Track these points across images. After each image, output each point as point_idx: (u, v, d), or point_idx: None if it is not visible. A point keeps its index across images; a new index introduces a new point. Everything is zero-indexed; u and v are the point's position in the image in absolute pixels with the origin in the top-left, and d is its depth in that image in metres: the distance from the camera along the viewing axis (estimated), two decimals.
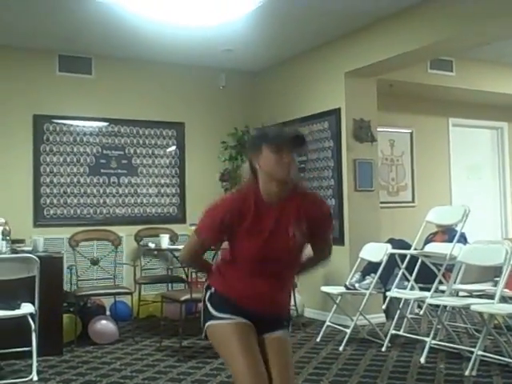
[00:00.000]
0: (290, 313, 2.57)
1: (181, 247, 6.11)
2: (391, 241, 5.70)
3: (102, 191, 6.80)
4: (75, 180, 6.67)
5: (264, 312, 2.37)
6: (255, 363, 2.25)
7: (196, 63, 7.08)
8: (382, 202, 6.67)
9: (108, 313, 6.11)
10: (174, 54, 6.75)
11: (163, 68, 7.07)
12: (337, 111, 6.35)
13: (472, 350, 4.45)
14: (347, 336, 5.18)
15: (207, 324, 2.39)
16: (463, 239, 5.51)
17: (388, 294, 5.29)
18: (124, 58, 6.82)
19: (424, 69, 7.05)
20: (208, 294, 2.43)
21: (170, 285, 6.33)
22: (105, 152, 6.85)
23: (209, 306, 2.41)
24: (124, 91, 6.92)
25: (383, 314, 6.07)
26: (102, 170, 6.82)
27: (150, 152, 7.10)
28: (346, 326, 5.38)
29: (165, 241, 5.98)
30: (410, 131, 7.72)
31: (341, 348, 5.09)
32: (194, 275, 5.88)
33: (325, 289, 5.62)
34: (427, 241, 5.90)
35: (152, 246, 6.28)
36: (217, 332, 2.37)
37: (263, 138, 2.36)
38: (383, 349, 5.05)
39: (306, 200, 2.41)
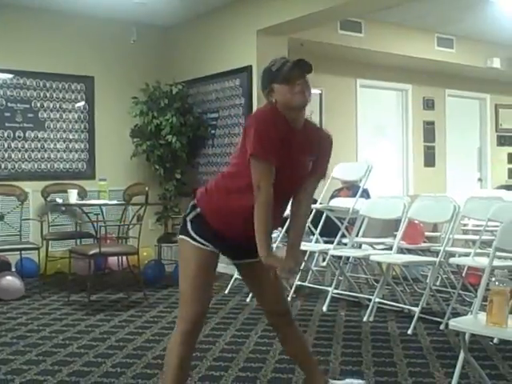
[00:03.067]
0: None
1: (90, 202, 6.12)
2: None
3: (6, 145, 6.58)
4: None
5: (243, 242, 2.45)
6: (200, 289, 2.45)
7: (107, 15, 6.90)
8: None
9: (14, 269, 6.00)
10: (85, 6, 6.54)
11: (73, 19, 6.83)
12: (248, 68, 6.39)
13: (370, 297, 4.72)
14: None
15: (180, 236, 2.51)
16: (366, 194, 5.77)
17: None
18: (30, 6, 6.53)
19: (334, 29, 7.20)
20: (193, 213, 2.49)
21: (78, 241, 6.26)
22: (9, 105, 6.61)
23: (188, 224, 2.49)
24: (30, 42, 6.65)
25: None
26: (7, 124, 6.59)
27: (58, 106, 6.91)
28: None
29: (73, 196, 5.89)
30: (319, 91, 7.89)
31: (248, 299, 5.24)
32: (103, 230, 5.84)
33: None
34: (332, 196, 6.12)
35: (60, 201, 6.17)
36: (184, 248, 2.50)
37: (269, 76, 2.43)
38: (288, 299, 5.25)
39: (316, 134, 2.52)
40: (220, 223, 2.46)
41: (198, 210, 2.49)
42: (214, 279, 2.60)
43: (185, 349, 2.46)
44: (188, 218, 2.50)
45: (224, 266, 6.53)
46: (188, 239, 2.47)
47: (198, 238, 2.46)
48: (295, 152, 2.41)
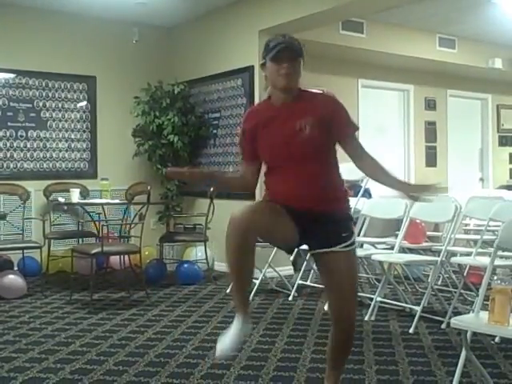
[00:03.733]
0: (347, 217, 2.59)
1: (93, 201, 6.12)
2: None
3: (8, 145, 6.60)
4: None
5: (307, 210, 2.46)
6: (263, 212, 2.42)
7: (109, 16, 6.92)
8: None
9: (16, 268, 6.01)
10: (87, 6, 6.57)
11: (75, 20, 6.85)
12: (250, 69, 6.40)
13: (372, 297, 4.73)
14: (256, 287, 5.35)
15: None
16: (367, 194, 5.78)
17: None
18: (33, 6, 6.56)
19: (336, 30, 7.20)
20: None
21: (80, 240, 6.27)
22: (12, 104, 6.63)
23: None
24: (33, 42, 6.68)
25: (291, 266, 6.28)
26: (9, 123, 6.61)
27: (60, 105, 6.92)
28: (255, 278, 5.54)
29: (75, 195, 5.90)
30: (321, 91, 7.88)
31: (249, 298, 5.26)
32: (105, 229, 5.84)
33: None
34: None
35: (62, 200, 6.18)
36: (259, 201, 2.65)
37: (265, 50, 2.50)
38: (290, 298, 5.27)
39: (314, 99, 2.56)
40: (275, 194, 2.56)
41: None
42: (283, 226, 2.47)
43: (237, 237, 2.32)
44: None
45: (223, 264, 6.56)
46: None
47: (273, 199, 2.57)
48: (280, 124, 2.51)
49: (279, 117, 2.52)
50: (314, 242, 2.54)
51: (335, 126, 2.52)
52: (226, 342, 2.41)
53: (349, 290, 2.54)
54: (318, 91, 2.63)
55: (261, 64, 2.56)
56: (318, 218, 2.48)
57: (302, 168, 2.49)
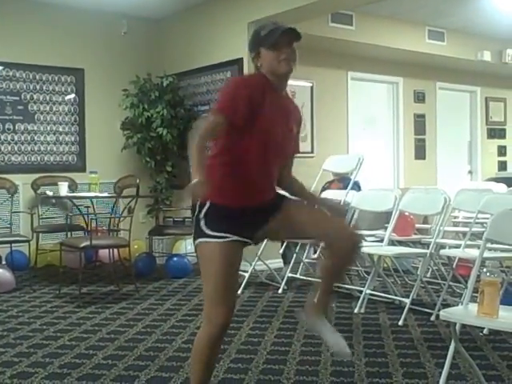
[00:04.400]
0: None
1: (81, 195, 6.09)
2: None
3: None
4: None
5: (260, 202, 2.42)
6: (226, 289, 2.35)
7: (97, 8, 6.86)
8: None
9: (4, 262, 5.97)
10: None
11: (63, 11, 6.79)
12: (239, 61, 6.38)
13: (361, 289, 4.74)
14: (245, 280, 5.34)
15: (197, 242, 2.38)
16: (357, 187, 5.78)
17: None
18: None
19: (325, 22, 7.18)
20: (204, 209, 2.34)
21: (69, 233, 6.24)
22: None
23: (202, 223, 2.35)
24: (20, 34, 6.61)
25: (281, 259, 6.28)
26: None
27: (48, 98, 6.87)
28: (245, 271, 5.53)
29: (63, 188, 5.86)
30: (310, 84, 7.88)
31: (239, 291, 5.24)
32: (93, 223, 5.82)
33: None
34: (323, 189, 6.12)
35: (50, 194, 6.14)
36: (206, 250, 2.35)
37: (257, 40, 2.41)
38: (280, 291, 5.27)
39: (292, 102, 2.56)
40: (236, 191, 2.38)
41: (208, 203, 2.34)
42: (238, 276, 2.48)
43: (212, 351, 2.39)
44: (200, 216, 2.35)
45: None
46: (205, 239, 2.34)
47: (214, 233, 2.32)
48: (283, 115, 2.43)
49: (282, 107, 2.43)
50: (266, 219, 2.45)
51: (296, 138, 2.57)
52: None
53: (322, 213, 2.58)
54: (290, 97, 2.62)
55: (253, 57, 2.44)
56: (266, 207, 2.45)
57: (271, 166, 2.44)
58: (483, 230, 4.44)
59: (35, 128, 6.78)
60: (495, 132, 10.53)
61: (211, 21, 6.76)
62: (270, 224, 2.44)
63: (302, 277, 5.56)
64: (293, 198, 2.59)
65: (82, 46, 6.99)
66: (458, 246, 4.62)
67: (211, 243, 2.33)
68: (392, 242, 5.06)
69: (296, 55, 2.40)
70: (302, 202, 2.61)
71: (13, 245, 5.71)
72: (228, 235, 2.33)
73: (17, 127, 6.66)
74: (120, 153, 6.95)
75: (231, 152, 2.37)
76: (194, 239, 2.41)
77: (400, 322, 4.21)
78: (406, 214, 5.06)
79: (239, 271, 2.48)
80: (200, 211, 2.36)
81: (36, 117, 6.78)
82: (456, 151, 10.04)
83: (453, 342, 2.81)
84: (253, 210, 2.39)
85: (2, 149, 6.57)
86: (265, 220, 2.44)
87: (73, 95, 7.02)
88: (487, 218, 4.27)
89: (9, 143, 6.61)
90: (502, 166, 10.60)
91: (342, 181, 6.11)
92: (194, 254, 5.93)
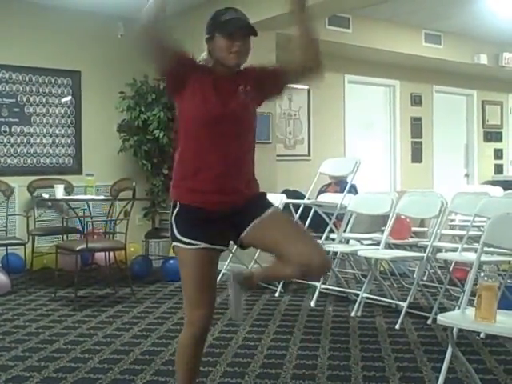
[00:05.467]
0: (262, 194, 2.48)
1: (77, 197, 6.06)
2: (286, 192, 5.87)
3: None
4: None
5: (233, 204, 2.34)
6: (203, 291, 2.35)
7: (94, 10, 6.83)
8: (278, 155, 6.83)
9: None
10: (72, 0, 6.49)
11: (60, 13, 6.75)
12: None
13: (358, 293, 4.73)
14: None
15: (173, 244, 2.39)
16: (354, 190, 5.77)
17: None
18: (17, 0, 6.47)
19: (322, 25, 7.18)
20: (175, 212, 2.37)
21: (65, 236, 6.20)
22: None
23: (174, 227, 2.36)
24: (17, 36, 6.58)
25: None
26: None
27: (44, 100, 6.85)
28: None
29: (59, 191, 5.84)
30: (307, 87, 7.88)
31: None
32: (89, 226, 5.80)
33: None
34: (320, 192, 6.13)
35: (46, 196, 6.12)
36: (180, 254, 2.38)
37: (215, 24, 2.38)
38: (276, 294, 5.26)
39: (245, 71, 2.43)
40: (197, 191, 2.35)
41: (177, 203, 2.38)
42: (215, 279, 2.47)
43: (194, 351, 2.42)
44: (172, 220, 2.38)
45: None
46: (178, 244, 2.35)
47: (185, 239, 2.32)
48: (220, 95, 2.35)
49: (219, 87, 2.36)
50: (243, 224, 2.37)
51: (270, 74, 2.46)
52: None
53: (298, 231, 2.45)
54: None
55: (206, 38, 2.43)
56: (241, 210, 2.36)
57: (234, 150, 2.36)
58: (480, 233, 4.46)
59: (31, 130, 6.75)
60: (492, 135, 10.55)
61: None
62: (246, 232, 2.35)
63: (298, 280, 5.54)
64: (273, 208, 2.41)
65: (79, 49, 6.97)
66: (454, 250, 4.61)
67: (183, 249, 2.34)
68: (389, 246, 5.07)
69: (248, 48, 2.37)
70: (280, 216, 2.47)
71: (8, 248, 5.69)
72: (198, 243, 2.32)
73: (13, 129, 6.63)
74: (116, 155, 6.92)
75: (182, 145, 2.40)
76: (171, 241, 2.41)
77: (397, 326, 4.20)
78: (403, 217, 5.06)
79: (215, 274, 2.46)
80: (172, 213, 2.38)
81: (32, 119, 6.76)
82: (452, 154, 10.06)
83: (450, 346, 2.80)
84: (225, 214, 2.33)
85: None
86: (241, 226, 2.35)
87: (69, 97, 7.00)
88: (484, 222, 4.28)
89: (5, 145, 6.59)
90: (499, 169, 10.63)
91: (339, 184, 6.11)
92: None
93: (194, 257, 2.32)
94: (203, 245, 2.32)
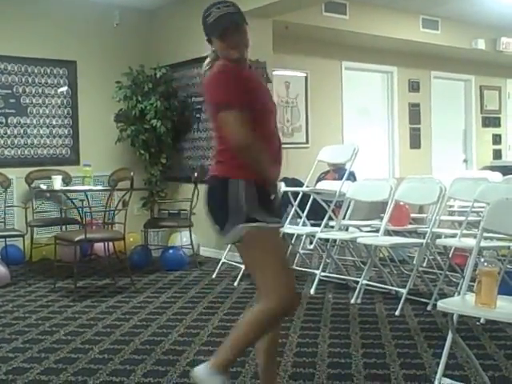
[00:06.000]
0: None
1: (75, 188, 6.05)
2: (285, 180, 5.85)
3: None
4: None
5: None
6: (286, 266, 2.46)
7: None
8: None
9: None
10: None
11: (54, 3, 6.72)
12: None
13: (358, 280, 4.73)
14: (242, 272, 5.32)
15: (248, 226, 2.22)
16: (352, 177, 5.76)
17: (281, 230, 5.46)
18: None
19: (319, 11, 7.15)
20: (243, 191, 2.25)
21: (63, 227, 6.20)
22: None
23: (245, 206, 2.24)
24: (11, 26, 6.53)
25: None
26: None
27: (40, 91, 6.81)
28: (241, 263, 5.52)
29: (57, 182, 5.82)
30: (304, 74, 7.84)
31: (235, 283, 5.23)
32: (88, 216, 5.78)
33: None
34: (319, 179, 6.11)
35: (44, 187, 6.10)
36: (262, 238, 2.26)
37: (206, 29, 2.42)
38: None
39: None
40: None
41: (243, 181, 2.26)
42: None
43: (269, 329, 2.36)
44: (243, 202, 2.24)
45: (210, 250, 6.55)
46: (259, 225, 2.22)
47: (264, 217, 2.23)
48: (263, 89, 2.51)
49: (257, 82, 2.52)
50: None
51: None
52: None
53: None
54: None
55: (207, 39, 2.45)
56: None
57: (278, 144, 2.48)
58: (479, 219, 4.45)
59: (28, 121, 6.72)
60: (490, 120, 10.53)
61: None
62: None
63: (298, 268, 5.55)
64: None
65: (74, 38, 6.92)
66: (454, 236, 4.60)
67: (265, 230, 2.26)
68: (388, 232, 5.05)
69: (247, 37, 2.38)
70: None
71: (7, 239, 5.69)
72: (275, 219, 2.33)
73: (9, 121, 6.60)
74: (114, 145, 6.90)
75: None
76: (235, 224, 2.25)
77: (397, 313, 4.20)
78: (402, 203, 5.05)
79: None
80: (237, 194, 2.25)
81: (29, 110, 6.73)
82: (451, 140, 10.04)
83: (450, 332, 2.80)
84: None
85: None
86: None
87: (65, 88, 6.97)
88: (483, 207, 4.26)
89: (1, 137, 6.56)
90: (497, 154, 10.62)
91: (338, 171, 6.10)
92: (190, 247, 5.93)
93: (279, 235, 2.43)
94: (277, 221, 2.40)
